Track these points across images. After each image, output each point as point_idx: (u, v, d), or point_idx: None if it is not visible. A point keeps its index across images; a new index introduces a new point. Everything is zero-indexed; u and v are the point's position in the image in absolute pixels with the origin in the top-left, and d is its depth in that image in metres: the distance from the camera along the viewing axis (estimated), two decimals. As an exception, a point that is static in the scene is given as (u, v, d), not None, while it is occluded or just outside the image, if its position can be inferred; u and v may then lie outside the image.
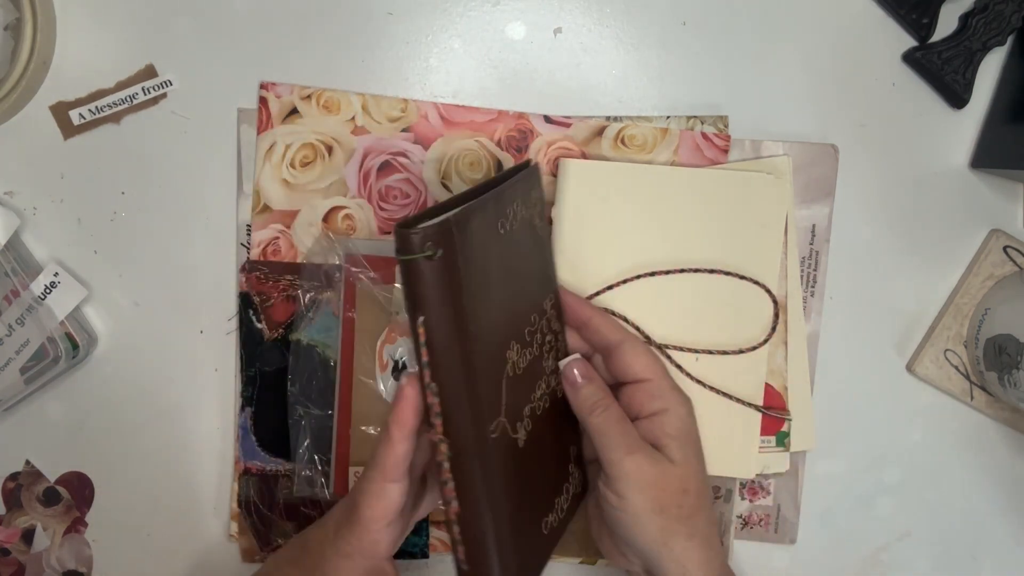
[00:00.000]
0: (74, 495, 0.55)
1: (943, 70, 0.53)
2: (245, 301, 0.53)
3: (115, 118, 0.53)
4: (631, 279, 0.51)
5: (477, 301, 0.38)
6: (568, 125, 0.53)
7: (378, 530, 0.43)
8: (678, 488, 0.44)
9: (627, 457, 0.43)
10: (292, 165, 0.53)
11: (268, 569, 0.48)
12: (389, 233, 0.53)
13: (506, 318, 0.42)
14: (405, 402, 0.40)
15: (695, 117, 0.53)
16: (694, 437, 0.46)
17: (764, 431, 0.54)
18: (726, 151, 0.53)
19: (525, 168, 0.47)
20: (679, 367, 0.52)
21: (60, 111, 0.53)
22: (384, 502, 0.42)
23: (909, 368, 0.57)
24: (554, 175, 0.53)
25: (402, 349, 0.52)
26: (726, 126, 0.54)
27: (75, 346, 0.52)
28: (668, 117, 0.54)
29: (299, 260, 0.53)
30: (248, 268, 0.53)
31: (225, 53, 0.53)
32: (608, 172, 0.52)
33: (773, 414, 0.54)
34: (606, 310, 0.51)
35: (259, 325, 0.53)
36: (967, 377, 0.56)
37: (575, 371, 0.46)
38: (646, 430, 0.45)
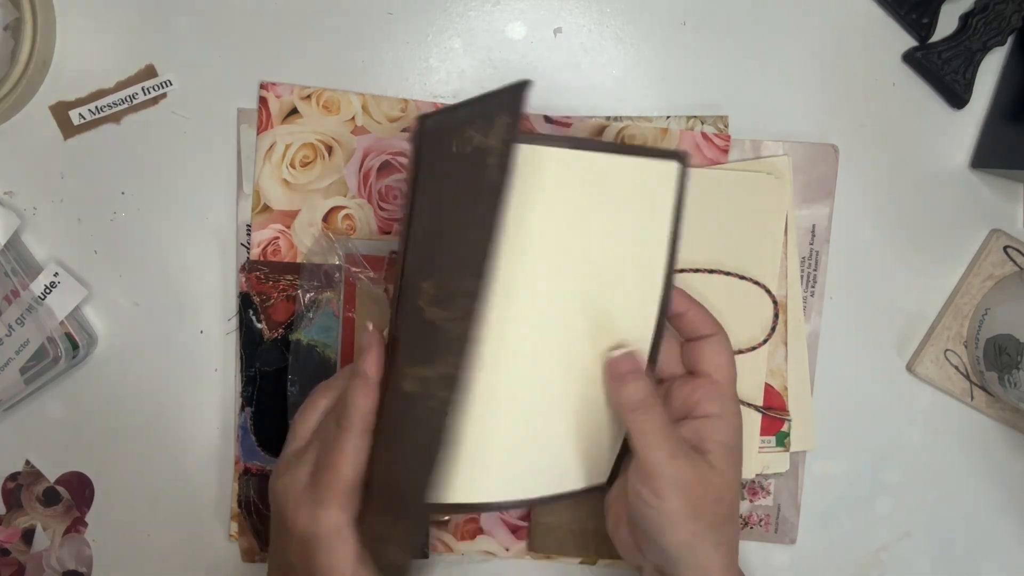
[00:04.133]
0: (74, 495, 0.55)
1: (943, 70, 0.53)
2: (245, 301, 0.53)
3: (115, 118, 0.53)
4: (631, 279, 0.51)
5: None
6: (568, 125, 0.53)
7: (355, 493, 0.41)
8: (715, 496, 0.43)
9: (671, 460, 0.42)
10: (292, 165, 0.53)
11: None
12: (389, 233, 0.53)
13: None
14: (374, 349, 0.42)
15: (695, 117, 0.53)
16: (738, 450, 0.45)
17: (764, 431, 0.54)
18: (726, 151, 0.53)
19: (517, 85, 0.35)
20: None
21: (60, 111, 0.53)
22: (362, 457, 0.41)
23: (909, 368, 0.57)
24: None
25: (402, 349, 0.52)
26: (726, 126, 0.54)
27: (75, 346, 0.52)
28: (668, 117, 0.54)
29: (299, 260, 0.53)
30: (248, 268, 0.53)
31: (225, 53, 0.53)
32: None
33: (773, 414, 0.54)
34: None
35: (259, 325, 0.53)
36: (967, 377, 0.56)
37: (622, 367, 0.43)
38: (693, 430, 0.44)
